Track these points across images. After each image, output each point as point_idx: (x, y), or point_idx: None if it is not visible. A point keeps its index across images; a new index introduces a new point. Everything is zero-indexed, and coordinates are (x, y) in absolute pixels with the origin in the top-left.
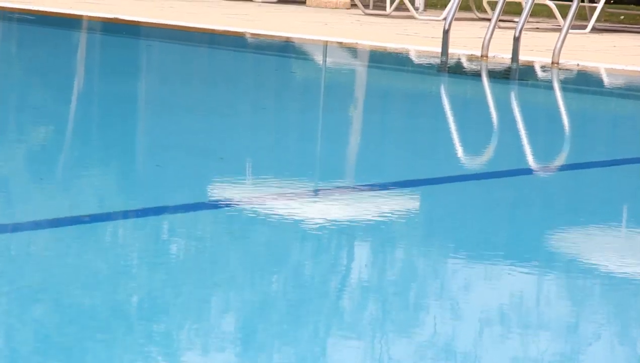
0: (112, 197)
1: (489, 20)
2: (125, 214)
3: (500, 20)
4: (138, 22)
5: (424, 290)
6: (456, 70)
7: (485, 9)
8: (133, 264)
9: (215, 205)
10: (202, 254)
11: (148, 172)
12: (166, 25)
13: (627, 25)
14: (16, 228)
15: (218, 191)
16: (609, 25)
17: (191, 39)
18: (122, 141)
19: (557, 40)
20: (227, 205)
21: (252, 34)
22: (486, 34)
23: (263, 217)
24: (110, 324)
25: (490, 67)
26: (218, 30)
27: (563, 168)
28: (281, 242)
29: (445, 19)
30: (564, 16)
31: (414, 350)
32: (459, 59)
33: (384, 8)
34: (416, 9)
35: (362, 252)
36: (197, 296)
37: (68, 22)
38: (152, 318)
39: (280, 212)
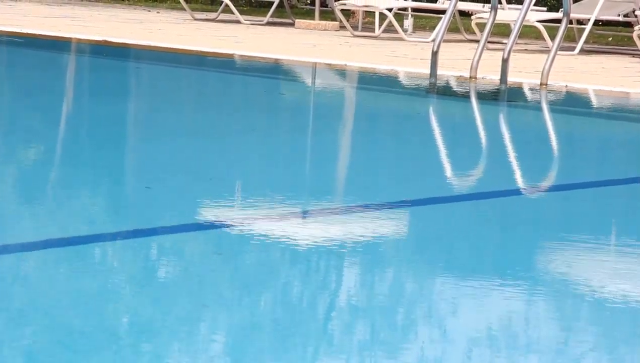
0: (101, 219)
1: (478, 41)
2: (115, 236)
3: (489, 42)
4: (127, 44)
5: (413, 311)
6: (445, 92)
7: (473, 31)
8: (122, 286)
9: (204, 226)
10: (191, 275)
11: (138, 193)
12: (155, 47)
13: (615, 47)
14: (4, 250)
15: (207, 212)
16: (597, 46)
17: (180, 61)
18: (111, 163)
19: (546, 62)
20: (216, 226)
21: (241, 56)
22: (475, 55)
23: (252, 238)
24: (97, 346)
25: (479, 88)
26: (207, 52)
27: (552, 189)
28: (270, 263)
29: (434, 40)
30: (553, 38)
31: None
32: (448, 80)
33: (372, 30)
34: (405, 31)
35: (350, 274)
36: (185, 317)
37: (57, 45)
38: (140, 340)
39: (269, 233)
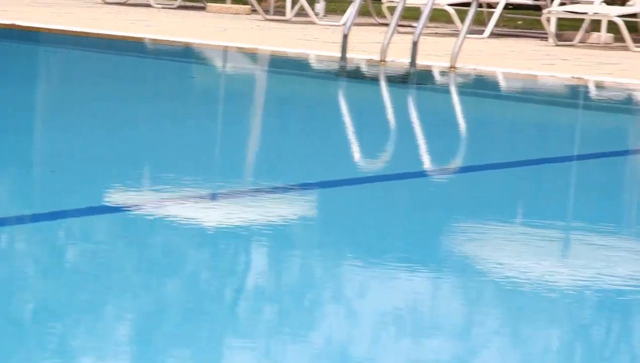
0: (6, 202)
1: (389, 25)
2: (20, 219)
3: (400, 25)
4: (36, 28)
5: (320, 293)
6: (355, 75)
7: (385, 14)
8: (26, 270)
9: (110, 210)
10: (96, 258)
11: (43, 177)
12: (65, 31)
13: (525, 30)
14: None
15: (114, 196)
16: (507, 30)
17: (90, 45)
18: (16, 147)
19: (455, 45)
20: (123, 210)
21: (152, 40)
22: (385, 38)
23: (159, 221)
24: (2, 330)
25: (388, 71)
26: (117, 36)
27: (460, 170)
28: (176, 246)
29: (344, 24)
30: (463, 21)
31: (309, 354)
32: (358, 63)
33: (284, 13)
34: (316, 14)
35: (258, 257)
36: (90, 300)
37: None
38: (45, 324)
39: (177, 216)
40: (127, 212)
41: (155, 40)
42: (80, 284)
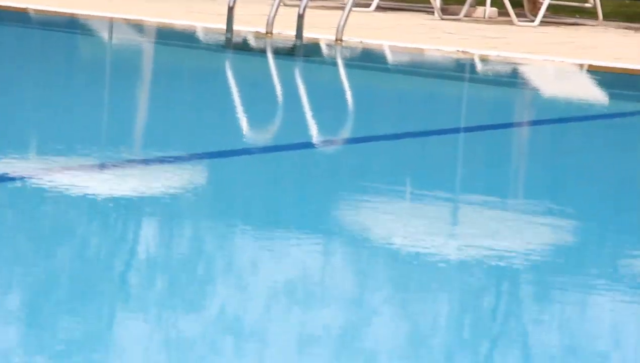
0: None
1: None
2: None
3: None
4: None
5: (211, 265)
6: (241, 47)
7: None
8: None
9: None
10: None
11: None
12: None
13: (411, 4)
14: None
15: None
16: (393, 3)
17: None
18: None
19: (341, 18)
20: (9, 180)
21: (36, 10)
22: (271, 11)
23: (47, 192)
24: None
25: (274, 44)
26: (1, 6)
27: (346, 142)
28: (65, 217)
29: None
30: None
31: (201, 326)
32: (245, 36)
33: None
34: None
35: (148, 227)
36: None
37: None
38: None
39: (63, 186)
40: (12, 182)
41: (39, 10)
42: None
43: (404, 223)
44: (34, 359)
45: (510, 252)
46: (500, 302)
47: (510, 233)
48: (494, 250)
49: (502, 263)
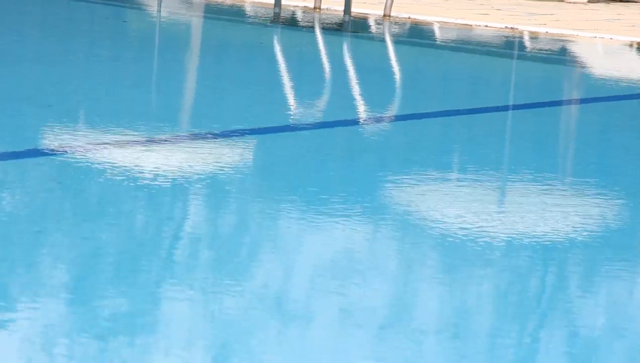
0: None
1: None
2: None
3: None
4: None
5: (259, 241)
6: (289, 22)
7: None
8: None
9: (44, 153)
10: (28, 204)
11: None
12: None
13: None
14: None
15: (48, 139)
16: None
17: None
18: None
19: None
20: (57, 154)
21: None
22: None
23: (95, 166)
24: None
25: (322, 19)
26: None
27: (397, 118)
28: (113, 191)
29: None
30: None
31: (248, 301)
32: (293, 11)
33: None
34: None
35: (194, 203)
36: (23, 245)
37: None
38: None
39: (112, 160)
40: (60, 157)
41: None
42: (12, 228)
43: (450, 202)
44: (80, 336)
45: (559, 232)
46: (547, 283)
47: (558, 213)
48: (542, 230)
49: (549, 244)
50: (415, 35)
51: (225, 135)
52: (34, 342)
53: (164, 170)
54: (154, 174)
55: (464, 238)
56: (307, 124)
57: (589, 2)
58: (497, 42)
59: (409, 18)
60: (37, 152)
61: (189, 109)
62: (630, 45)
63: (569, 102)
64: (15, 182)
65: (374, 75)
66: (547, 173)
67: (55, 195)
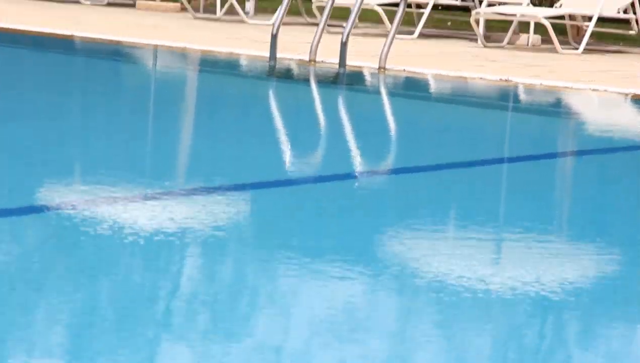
0: None
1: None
2: None
3: (330, 26)
4: None
5: (255, 295)
6: (284, 75)
7: (315, 14)
8: None
9: (41, 209)
10: (27, 259)
11: None
12: None
13: (454, 31)
14: None
15: (45, 195)
16: (436, 31)
17: (17, 42)
18: None
19: (384, 46)
20: (54, 209)
21: (81, 37)
22: (314, 38)
23: (91, 222)
24: None
25: (317, 72)
26: (46, 33)
27: (393, 172)
28: (110, 247)
29: (273, 23)
30: (392, 21)
31: (241, 357)
32: (288, 63)
33: (214, 12)
34: (246, 13)
35: (191, 258)
36: (20, 301)
37: None
38: None
39: (108, 216)
40: (54, 213)
41: (84, 37)
42: (9, 285)
43: (446, 256)
44: None
45: (555, 285)
46: (544, 337)
47: (555, 266)
48: (538, 283)
49: (545, 297)
50: (411, 88)
51: (221, 189)
52: None
53: (159, 226)
54: (149, 230)
55: (461, 292)
56: (303, 178)
57: (583, 52)
58: (492, 94)
59: (404, 70)
60: (31, 209)
61: (184, 163)
62: (626, 97)
63: (565, 154)
64: (9, 239)
65: (370, 129)
66: (543, 226)
67: (49, 251)
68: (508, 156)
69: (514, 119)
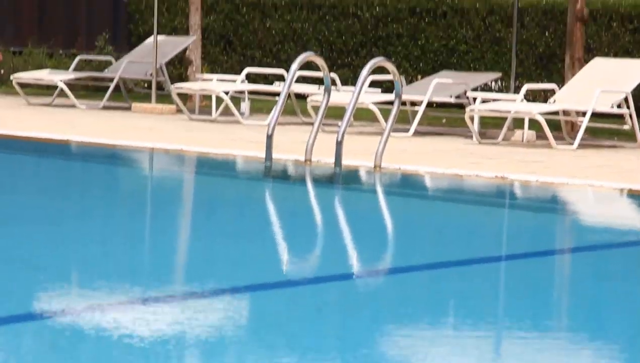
0: None
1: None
2: None
3: (326, 125)
4: None
5: None
6: (280, 175)
7: (309, 114)
8: None
9: (38, 316)
10: None
11: None
12: None
13: (449, 129)
14: None
15: (41, 301)
16: (431, 128)
17: (14, 147)
18: None
19: (379, 144)
20: (51, 316)
21: (77, 141)
22: (309, 138)
23: (89, 328)
24: None
25: (313, 171)
26: (42, 138)
27: (390, 271)
28: (106, 352)
29: (269, 124)
30: (387, 120)
31: None
32: (284, 163)
33: (210, 113)
34: (241, 114)
35: (191, 361)
36: None
37: None
38: None
39: (106, 322)
40: (52, 319)
41: (80, 141)
42: None
43: (444, 356)
44: None
45: None
46: None
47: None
48: None
49: None
50: (407, 186)
51: (219, 292)
52: None
53: (158, 329)
54: (148, 334)
55: None
56: (301, 279)
57: (578, 148)
58: (488, 191)
59: (400, 168)
60: (28, 316)
61: (182, 266)
62: (622, 192)
63: (562, 251)
64: (6, 346)
65: (366, 228)
66: (541, 322)
67: (47, 358)
68: (505, 254)
69: (511, 216)
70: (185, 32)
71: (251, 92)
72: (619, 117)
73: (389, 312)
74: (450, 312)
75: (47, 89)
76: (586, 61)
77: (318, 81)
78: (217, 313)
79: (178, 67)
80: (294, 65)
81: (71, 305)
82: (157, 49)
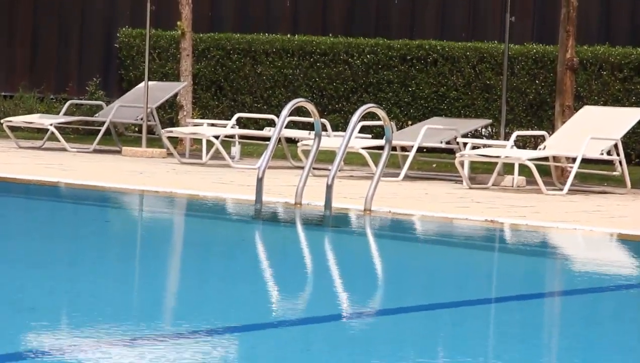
0: None
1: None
2: None
3: (316, 169)
4: None
5: None
6: (270, 218)
7: (300, 158)
8: None
9: (27, 358)
10: None
11: None
12: None
13: (439, 173)
14: None
15: (31, 343)
16: (421, 173)
17: (4, 190)
18: None
19: (369, 188)
20: (41, 356)
21: (67, 184)
22: (300, 181)
23: None
24: None
25: (303, 214)
26: (32, 181)
27: (380, 313)
28: None
29: (259, 167)
30: (377, 164)
31: None
32: (274, 206)
33: (200, 157)
34: (232, 158)
35: None
36: None
37: None
38: None
39: (95, 362)
40: (45, 359)
41: (69, 184)
42: None
43: None
44: None
45: None
46: None
47: None
48: None
49: None
50: (396, 229)
51: (208, 333)
52: None
53: None
54: None
55: None
56: (291, 320)
57: (568, 193)
58: (478, 235)
59: (390, 212)
60: (19, 356)
61: (171, 307)
62: (611, 237)
63: (552, 294)
64: None
65: (356, 271)
66: None
67: None
68: (495, 297)
69: (500, 259)
70: (177, 77)
71: (242, 137)
72: (609, 163)
73: (378, 354)
74: (440, 354)
75: (38, 133)
76: (576, 109)
77: (309, 126)
78: (206, 355)
79: (169, 112)
80: (285, 111)
81: (59, 346)
82: (147, 93)
